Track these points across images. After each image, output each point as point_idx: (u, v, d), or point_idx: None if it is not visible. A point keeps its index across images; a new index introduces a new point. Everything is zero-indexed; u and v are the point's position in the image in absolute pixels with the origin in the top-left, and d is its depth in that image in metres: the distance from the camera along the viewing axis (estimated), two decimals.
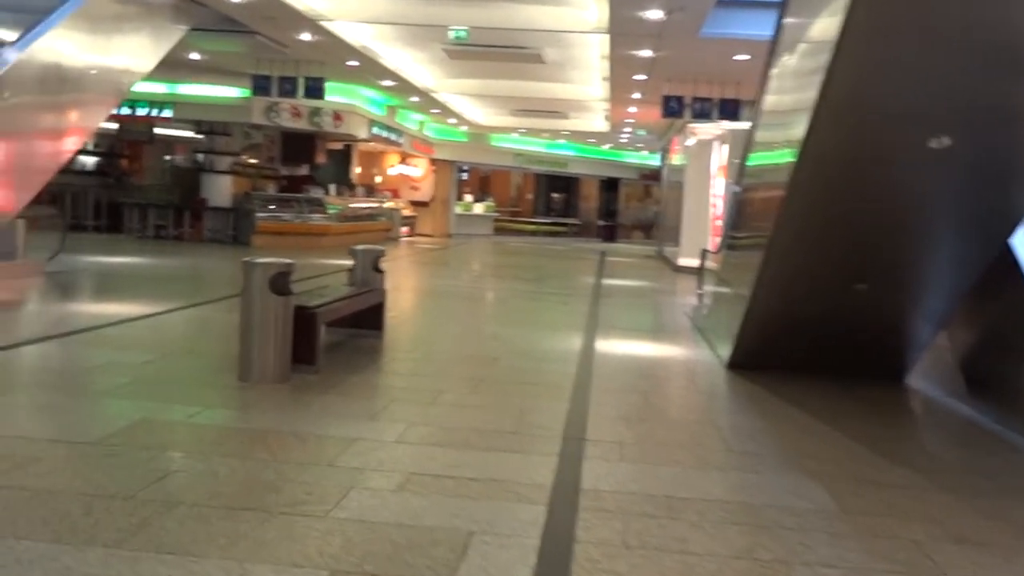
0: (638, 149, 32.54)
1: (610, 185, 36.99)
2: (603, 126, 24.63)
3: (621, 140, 29.41)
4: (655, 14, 10.99)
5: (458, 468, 4.09)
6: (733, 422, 5.40)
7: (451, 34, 13.23)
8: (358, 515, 3.41)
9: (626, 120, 22.95)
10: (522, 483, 3.92)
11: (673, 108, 16.27)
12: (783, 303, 6.53)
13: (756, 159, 7.81)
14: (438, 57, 16.38)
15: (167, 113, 20.10)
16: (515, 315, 10.38)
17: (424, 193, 30.68)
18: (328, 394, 5.44)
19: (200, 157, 21.00)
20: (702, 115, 16.28)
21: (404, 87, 19.38)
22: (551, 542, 3.28)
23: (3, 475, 3.62)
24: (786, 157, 5.84)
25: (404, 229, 26.59)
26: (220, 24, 12.85)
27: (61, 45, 8.80)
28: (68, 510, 3.28)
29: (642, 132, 26.00)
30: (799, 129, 5.30)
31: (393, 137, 25.06)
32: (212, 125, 20.66)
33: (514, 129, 28.81)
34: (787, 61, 6.78)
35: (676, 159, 23.34)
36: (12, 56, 8.14)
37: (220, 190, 20.08)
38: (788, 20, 7.05)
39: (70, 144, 9.33)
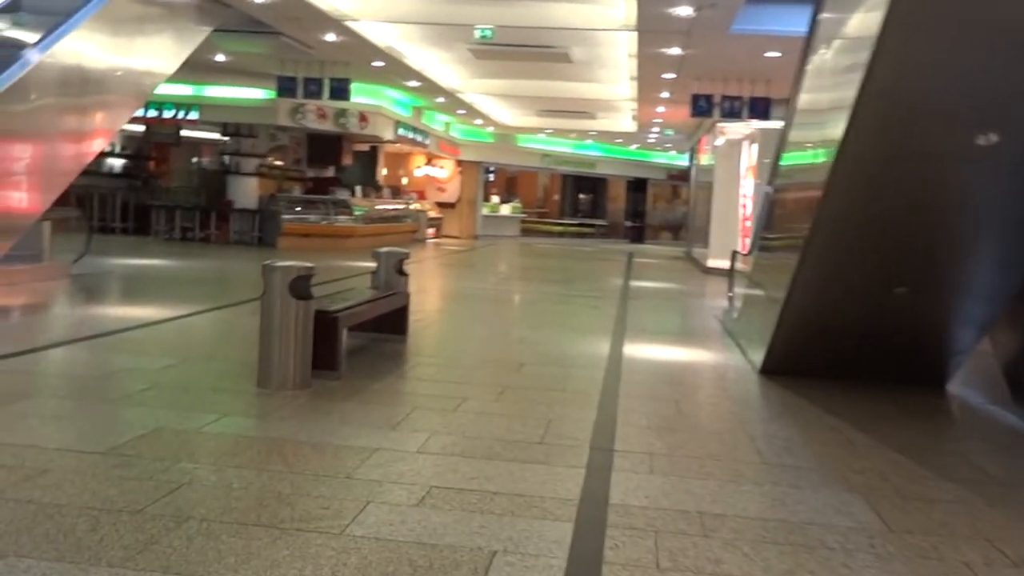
0: (666, 149, 32.23)
1: (638, 186, 36.69)
2: (631, 126, 24.37)
3: (649, 140, 29.12)
4: (684, 10, 10.76)
5: (481, 481, 3.92)
6: (768, 431, 5.19)
7: (477, 33, 13.08)
8: (375, 532, 3.25)
9: (654, 120, 22.69)
10: (548, 497, 3.74)
11: (702, 107, 16.00)
12: (819, 306, 6.30)
13: (790, 159, 7.58)
14: (464, 57, 16.23)
15: (193, 115, 20.10)
16: (541, 318, 10.20)
17: (450, 194, 30.58)
18: (349, 401, 5.30)
19: (226, 159, 21.01)
20: (732, 114, 15.99)
21: (430, 88, 19.26)
22: (578, 563, 3.10)
23: (11, 487, 3.50)
24: (823, 156, 5.62)
25: (430, 231, 26.49)
26: (244, 25, 12.78)
27: (83, 47, 8.74)
28: (74, 526, 3.14)
29: (670, 132, 25.71)
30: (837, 128, 5.09)
31: (419, 138, 24.96)
32: (238, 127, 20.65)
33: (541, 130, 28.61)
34: (823, 58, 6.56)
35: (705, 159, 23.07)
36: (34, 58, 8.08)
37: (246, 192, 20.08)
38: (824, 16, 6.83)
39: (92, 146, 9.27)
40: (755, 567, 3.15)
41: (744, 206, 18.93)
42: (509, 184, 37.13)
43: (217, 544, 3.05)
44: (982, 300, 6.17)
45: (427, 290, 12.94)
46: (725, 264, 16.01)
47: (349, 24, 12.88)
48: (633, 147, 32.49)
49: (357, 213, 20.67)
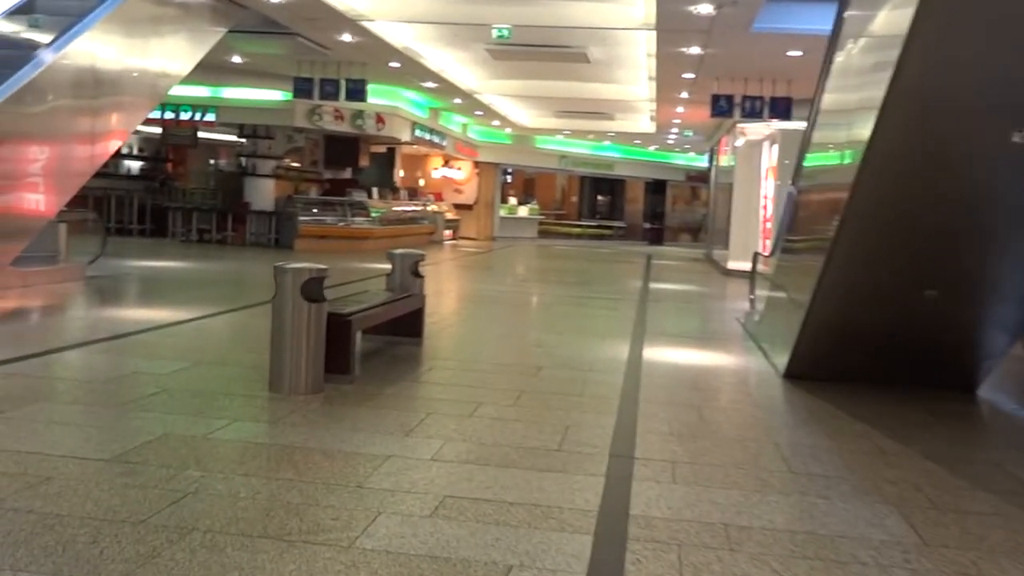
0: (685, 150, 32.01)
1: (656, 187, 36.46)
2: (649, 127, 24.17)
3: (668, 141, 28.90)
4: (705, 8, 10.58)
5: (497, 490, 3.77)
6: (794, 439, 5.01)
7: (494, 33, 12.94)
8: (386, 545, 3.12)
9: (673, 120, 22.49)
10: (566, 508, 3.60)
11: (722, 107, 15.81)
12: (845, 309, 6.12)
13: (814, 160, 7.40)
14: (481, 58, 16.11)
15: (210, 117, 20.09)
16: (559, 321, 10.05)
17: (468, 196, 30.47)
18: (362, 406, 5.17)
19: (243, 161, 20.99)
20: (752, 114, 15.78)
21: (447, 89, 19.15)
22: None
23: (12, 496, 3.39)
24: (849, 157, 5.46)
25: (448, 232, 26.39)
26: (260, 26, 12.71)
27: (97, 47, 8.67)
28: (74, 537, 3.03)
29: (689, 133, 25.50)
30: (864, 128, 4.93)
31: (436, 140, 24.87)
32: (255, 128, 20.62)
33: (559, 131, 28.45)
34: (849, 57, 6.39)
35: (725, 160, 22.85)
36: (47, 59, 8.02)
37: (263, 194, 20.05)
38: (850, 13, 6.65)
39: (106, 147, 9.20)
40: None
41: (764, 207, 18.71)
42: (527, 186, 37.01)
43: (221, 558, 2.93)
44: (1015, 302, 5.97)
45: (444, 292, 12.82)
46: (745, 266, 15.81)
47: (365, 24, 12.78)
48: (652, 148, 32.28)
49: (374, 215, 20.59)
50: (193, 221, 19.97)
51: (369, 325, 6.53)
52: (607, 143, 31.58)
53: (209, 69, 16.47)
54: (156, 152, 24.61)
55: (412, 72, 17.06)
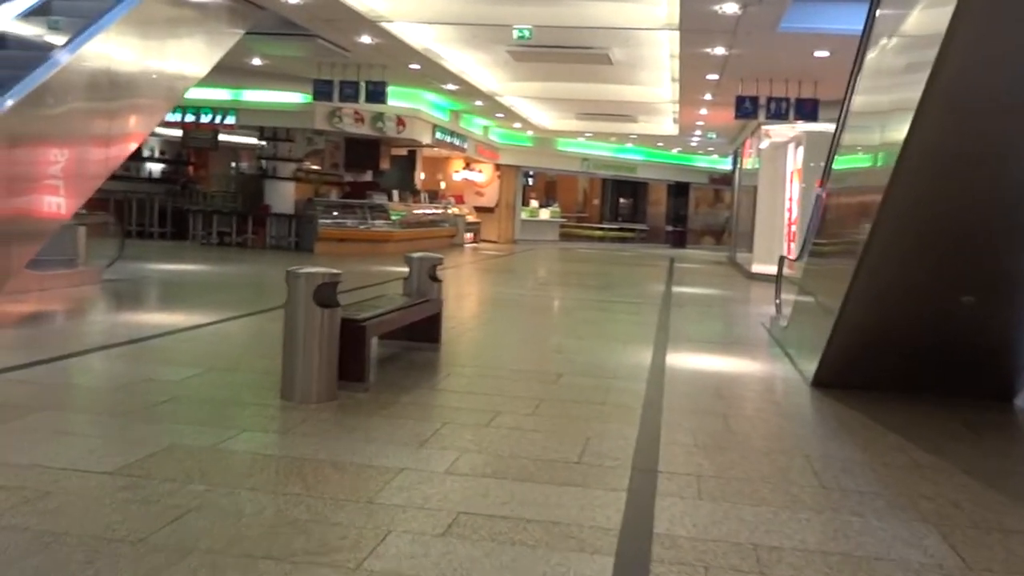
0: (708, 153, 31.72)
1: (679, 190, 36.16)
2: (672, 129, 23.93)
3: (691, 144, 28.64)
4: (730, 7, 10.36)
5: (513, 506, 3.60)
6: (825, 451, 4.80)
7: (515, 33, 12.78)
8: (395, 566, 2.95)
9: (696, 123, 22.24)
10: (586, 526, 3.42)
11: (747, 109, 15.56)
12: (876, 315, 5.90)
13: (844, 162, 7.18)
14: (502, 59, 15.95)
15: (230, 120, 20.07)
16: (580, 326, 9.85)
17: (489, 199, 30.33)
18: (375, 416, 5.01)
19: (263, 163, 20.95)
20: (777, 116, 15.52)
21: (468, 91, 19.01)
22: None
23: (7, 512, 3.25)
24: (883, 159, 5.25)
25: (468, 235, 26.26)
26: (278, 27, 12.62)
27: (113, 49, 8.59)
28: (69, 558, 2.88)
29: (713, 135, 25.23)
30: (898, 130, 4.72)
31: (457, 142, 24.75)
32: (275, 131, 20.58)
33: (580, 133, 28.24)
34: (881, 58, 6.17)
35: (749, 162, 22.57)
36: (62, 60, 7.94)
37: (283, 196, 20.00)
38: (883, 12, 6.42)
39: (122, 149, 9.11)
40: None
41: (789, 210, 18.43)
42: (548, 188, 36.83)
43: None
44: None
45: (463, 296, 12.67)
46: (770, 269, 15.54)
47: (384, 26, 12.65)
48: (675, 151, 32.01)
49: (394, 218, 20.49)
50: (213, 224, 19.94)
51: (384, 331, 6.38)
52: (629, 145, 31.34)
53: (229, 71, 16.45)
54: (177, 155, 24.64)
55: (432, 74, 16.93)
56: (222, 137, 21.81)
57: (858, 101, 6.81)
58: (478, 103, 21.38)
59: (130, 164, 22.80)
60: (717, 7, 10.42)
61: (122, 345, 6.93)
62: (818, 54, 12.68)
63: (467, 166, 29.62)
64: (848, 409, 5.91)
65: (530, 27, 12.51)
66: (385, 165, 23.84)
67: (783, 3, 10.23)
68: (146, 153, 24.16)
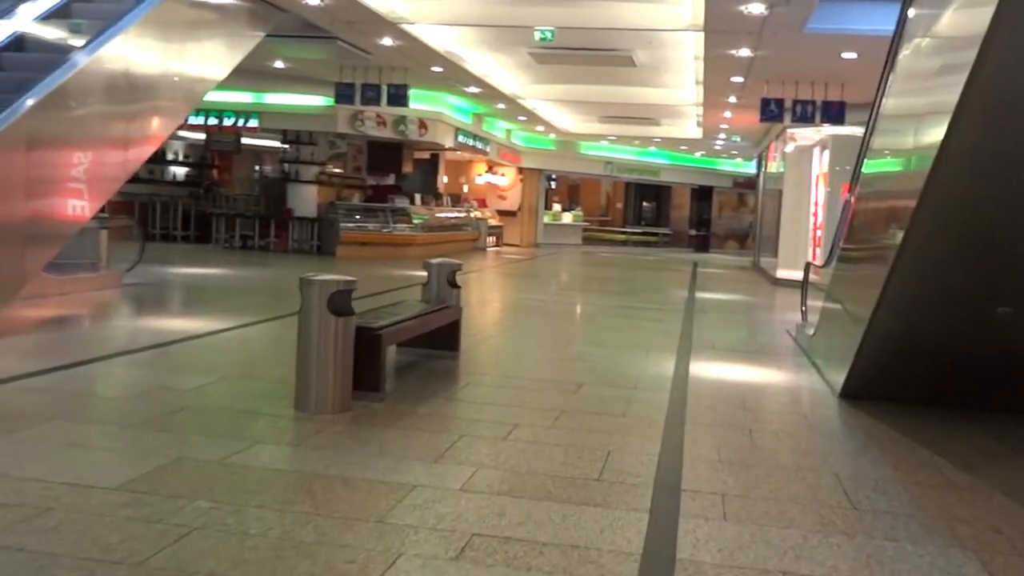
0: (732, 156, 31.42)
1: (703, 194, 35.86)
2: (696, 132, 23.67)
3: (715, 147, 28.37)
4: (756, 8, 10.16)
5: (530, 527, 3.45)
6: (855, 469, 4.61)
7: (537, 35, 12.63)
8: None
9: (721, 125, 21.99)
10: (605, 550, 3.26)
11: (772, 112, 15.30)
12: (908, 323, 5.69)
13: (874, 166, 6.98)
14: (524, 61, 15.81)
15: (253, 123, 20.08)
16: (602, 333, 9.68)
17: (511, 202, 30.20)
18: (390, 427, 4.88)
19: (286, 167, 20.94)
20: (803, 119, 15.27)
21: (490, 93, 18.89)
22: None
23: (4, 531, 3.14)
24: (917, 163, 5.05)
25: (491, 239, 26.14)
26: (299, 30, 12.55)
27: (132, 51, 8.53)
28: None
29: (737, 138, 24.96)
30: (934, 133, 4.54)
31: (480, 145, 24.64)
32: (298, 134, 20.57)
33: (603, 136, 28.05)
34: (914, 59, 5.97)
35: (773, 166, 22.29)
36: (80, 62, 7.88)
37: (306, 200, 19.95)
38: (916, 13, 6.22)
39: (140, 152, 9.05)
40: None
41: (815, 215, 18.17)
42: (571, 192, 36.67)
43: None
44: None
45: (484, 301, 12.54)
46: (795, 275, 15.30)
47: (405, 27, 12.55)
48: (698, 154, 31.74)
49: (417, 221, 20.40)
50: (236, 227, 19.94)
51: (401, 339, 6.26)
52: (652, 149, 31.09)
53: (252, 75, 16.45)
54: (201, 158, 24.71)
55: (455, 77, 16.83)
56: (245, 140, 21.84)
57: (890, 104, 6.61)
58: (500, 106, 21.26)
59: (154, 167, 22.94)
60: (743, 7, 10.23)
61: (138, 351, 6.85)
62: (845, 55, 12.44)
63: (490, 169, 29.51)
64: (877, 422, 5.71)
65: (552, 29, 12.36)
66: (407, 168, 23.77)
67: (810, 3, 10.02)
68: (170, 156, 24.26)
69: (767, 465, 4.57)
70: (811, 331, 8.65)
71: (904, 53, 6.37)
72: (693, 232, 35.60)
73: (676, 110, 20.51)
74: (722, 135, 24.36)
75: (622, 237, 34.61)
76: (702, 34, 11.85)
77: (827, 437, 5.40)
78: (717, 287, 17.23)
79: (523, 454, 4.50)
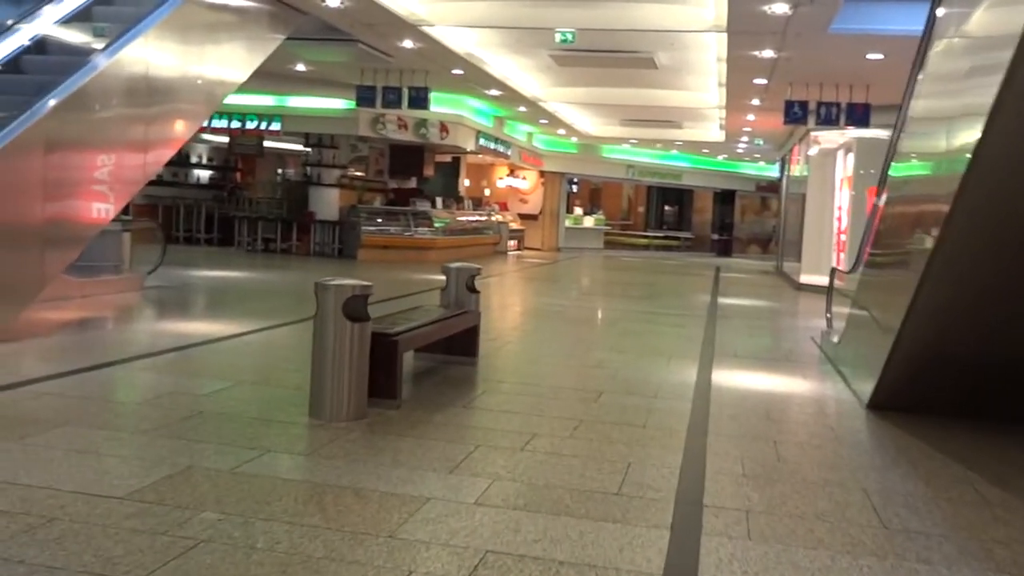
0: (755, 159, 31.13)
1: (725, 197, 35.58)
2: (719, 135, 23.47)
3: (737, 150, 28.12)
4: (780, 8, 9.99)
5: (546, 545, 3.33)
6: (885, 485, 4.45)
7: (558, 37, 12.51)
8: None
9: (743, 128, 21.77)
10: (624, 570, 3.14)
11: (796, 114, 15.09)
12: (942, 331, 5.53)
13: (903, 169, 6.81)
14: (545, 64, 15.71)
15: (276, 126, 20.11)
16: (623, 339, 9.54)
17: (533, 206, 30.10)
18: (406, 436, 4.77)
19: (309, 170, 20.96)
20: (827, 121, 15.06)
21: (511, 96, 18.80)
22: None
23: (6, 542, 3.06)
24: (949, 166, 4.90)
25: (512, 243, 26.03)
26: (320, 32, 12.51)
27: (151, 54, 8.50)
28: None
29: (760, 142, 24.71)
30: (968, 135, 4.40)
31: (501, 149, 24.55)
32: (320, 137, 20.57)
33: (625, 139, 27.87)
34: (945, 60, 5.81)
35: (797, 170, 22.05)
36: (99, 65, 7.85)
37: (327, 203, 19.95)
38: (945, 12, 6.05)
39: (160, 155, 9.02)
40: None
41: (839, 219, 17.93)
42: (593, 195, 36.51)
43: None
44: None
45: (504, 306, 12.43)
46: (819, 280, 15.10)
47: (425, 29, 12.48)
48: (720, 157, 31.49)
49: (438, 225, 20.34)
50: (258, 230, 19.97)
51: (418, 345, 6.16)
52: (674, 152, 30.88)
53: (274, 78, 16.46)
54: (224, 161, 24.79)
55: (475, 79, 16.74)
56: (268, 144, 21.89)
57: (919, 105, 6.44)
58: (521, 109, 21.16)
59: (178, 170, 23.05)
60: (766, 7, 10.06)
61: (155, 355, 6.79)
62: (871, 56, 12.24)
63: (511, 173, 29.41)
64: (907, 435, 5.55)
65: (573, 31, 12.24)
66: (429, 172, 23.72)
67: (835, 3, 9.84)
68: (194, 159, 24.35)
69: (793, 479, 4.42)
70: (837, 338, 8.48)
71: (934, 54, 6.20)
72: (715, 236, 35.32)
73: (698, 113, 20.33)
74: (745, 138, 24.14)
75: (644, 241, 34.41)
76: (724, 35, 11.69)
77: (855, 449, 5.24)
78: (740, 292, 17.03)
79: (540, 466, 4.38)
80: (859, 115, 14.64)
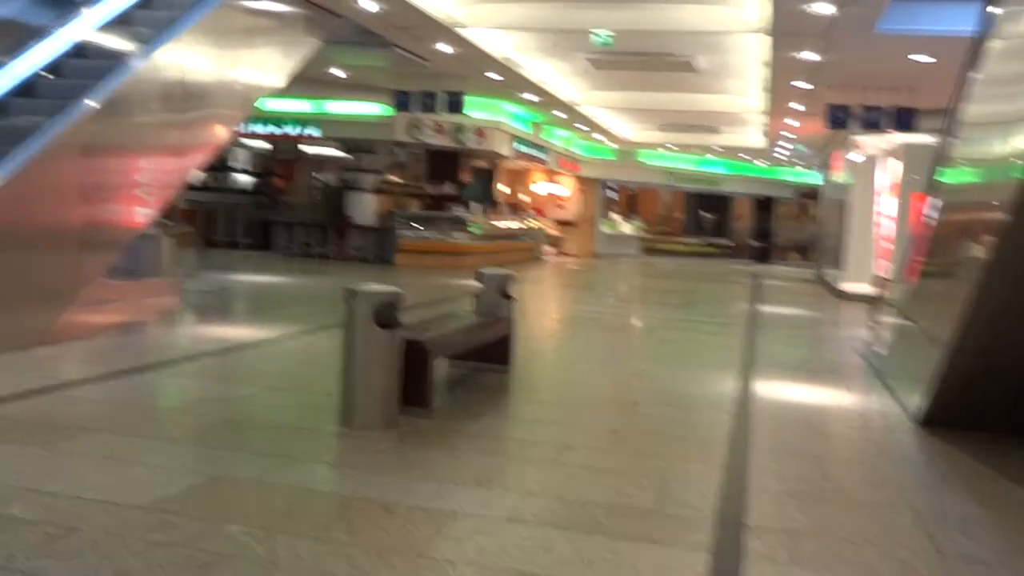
0: (794, 165, 30.67)
1: (764, 204, 35.12)
2: (759, 141, 23.13)
3: (777, 156, 27.71)
4: (825, 8, 9.74)
5: (578, 567, 3.18)
6: (937, 506, 4.24)
7: (595, 39, 12.36)
8: None
9: (784, 134, 21.42)
10: None
11: (839, 118, 14.80)
12: (999, 341, 5.27)
13: (956, 176, 6.57)
14: (582, 68, 15.55)
15: (314, 132, 20.19)
16: (661, 348, 9.36)
17: (570, 212, 29.90)
18: (436, 447, 4.65)
19: (346, 175, 21.00)
20: (871, 126, 14.75)
21: (548, 101, 18.67)
22: None
23: (23, 552, 2.98)
24: (1005, 172, 4.68)
25: (549, 249, 25.89)
26: (356, 36, 12.47)
27: (185, 58, 8.50)
28: None
29: (801, 147, 24.32)
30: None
31: (538, 154, 24.42)
32: (358, 143, 20.60)
33: (663, 145, 27.61)
34: (1001, 63, 5.58)
35: (838, 176, 21.65)
36: (135, 69, 7.86)
37: (365, 208, 19.97)
38: (1003, 10, 5.82)
39: (196, 159, 9.02)
40: None
41: (879, 225, 17.54)
42: (630, 201, 36.24)
43: None
44: None
45: (540, 313, 12.29)
46: (861, 288, 14.77)
47: (460, 32, 12.38)
48: (759, 163, 31.09)
49: (474, 231, 20.25)
50: (297, 235, 20.05)
51: (451, 352, 6.05)
52: (713, 158, 30.54)
53: (312, 83, 16.47)
54: (264, 166, 24.93)
55: (512, 84, 16.63)
56: (307, 149, 21.97)
57: (973, 110, 6.20)
58: (559, 114, 21.01)
59: (218, 175, 23.22)
60: (811, 7, 9.81)
61: (189, 360, 6.76)
62: (918, 59, 11.91)
63: (548, 178, 29.27)
64: (961, 453, 5.30)
65: (611, 33, 12.08)
66: (466, 177, 23.66)
67: (881, 2, 9.58)
68: (234, 164, 24.52)
69: (839, 499, 4.23)
70: (883, 350, 8.22)
71: (990, 56, 5.97)
72: (754, 243, 34.87)
73: (738, 117, 20.05)
74: (785, 143, 23.77)
75: (682, 248, 34.04)
76: (765, 38, 11.46)
77: (905, 467, 5.02)
78: (780, 300, 16.72)
79: (574, 480, 4.23)
80: (904, 120, 14.31)
